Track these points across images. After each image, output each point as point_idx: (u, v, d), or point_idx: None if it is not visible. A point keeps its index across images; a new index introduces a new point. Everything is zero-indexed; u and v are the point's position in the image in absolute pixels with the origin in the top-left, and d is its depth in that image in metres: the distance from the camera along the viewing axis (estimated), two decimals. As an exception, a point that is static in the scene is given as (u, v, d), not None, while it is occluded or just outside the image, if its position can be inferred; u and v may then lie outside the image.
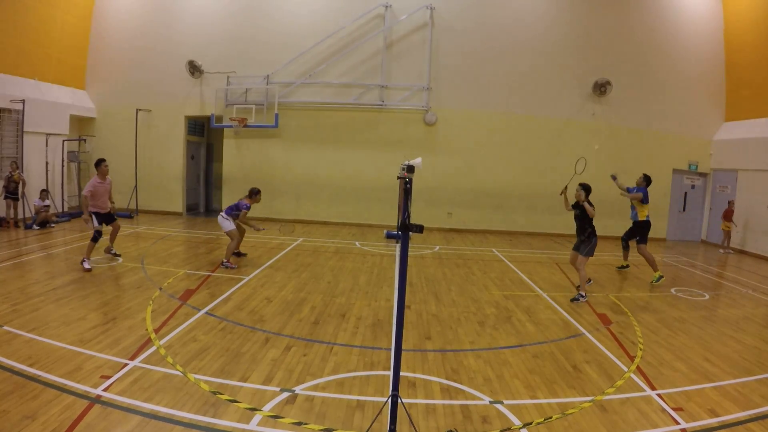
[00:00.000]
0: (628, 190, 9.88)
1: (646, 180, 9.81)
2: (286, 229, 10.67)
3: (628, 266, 10.33)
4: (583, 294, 7.79)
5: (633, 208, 9.90)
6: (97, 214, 8.74)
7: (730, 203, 13.75)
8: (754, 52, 13.86)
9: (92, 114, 15.68)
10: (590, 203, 7.84)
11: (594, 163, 15.05)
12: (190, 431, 3.64)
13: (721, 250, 13.83)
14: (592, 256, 7.96)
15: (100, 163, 8.76)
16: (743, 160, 13.99)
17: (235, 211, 9.21)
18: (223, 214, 9.26)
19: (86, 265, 8.10)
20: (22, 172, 12.24)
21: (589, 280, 8.77)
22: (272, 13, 15.07)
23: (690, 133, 15.28)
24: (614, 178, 9.93)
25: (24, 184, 12.05)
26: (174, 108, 15.48)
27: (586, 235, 7.85)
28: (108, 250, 9.26)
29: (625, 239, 10.22)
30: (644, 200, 9.54)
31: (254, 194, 9.36)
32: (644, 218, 9.58)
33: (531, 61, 14.86)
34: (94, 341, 5.15)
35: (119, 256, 9.21)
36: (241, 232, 9.51)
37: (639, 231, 9.62)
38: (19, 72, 12.81)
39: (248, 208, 9.21)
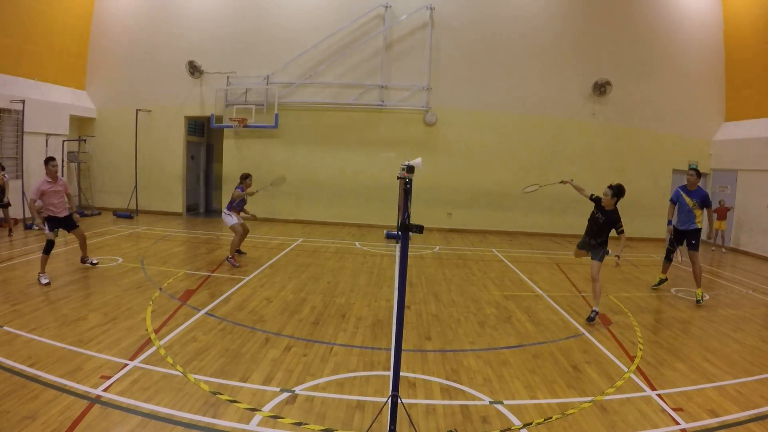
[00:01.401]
0: (692, 197, 8.05)
1: (699, 175, 8.18)
2: (278, 181, 10.00)
3: (667, 279, 8.96)
4: (597, 309, 6.73)
5: (692, 218, 8.06)
6: (50, 218, 7.48)
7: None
8: (754, 51, 13.86)
9: (92, 114, 15.69)
10: (618, 218, 6.59)
11: (595, 163, 15.14)
12: (190, 431, 3.64)
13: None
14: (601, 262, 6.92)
15: (48, 161, 7.57)
16: (743, 160, 13.99)
17: (234, 204, 9.33)
18: (225, 210, 9.42)
19: (43, 280, 7.08)
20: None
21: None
22: (272, 13, 15.07)
23: (690, 133, 15.28)
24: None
25: (8, 187, 11.19)
26: (174, 108, 15.48)
27: (600, 241, 6.79)
28: (83, 260, 8.29)
29: (673, 249, 8.49)
30: (708, 202, 8.03)
31: (243, 179, 9.47)
32: (702, 225, 8.11)
33: (531, 61, 14.87)
34: (94, 341, 5.15)
35: (96, 264, 8.38)
36: (244, 229, 9.55)
37: (693, 235, 8.11)
38: (19, 72, 12.82)
39: (242, 190, 9.31)
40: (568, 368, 5.14)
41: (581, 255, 7.39)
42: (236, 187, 9.41)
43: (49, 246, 7.33)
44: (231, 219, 9.30)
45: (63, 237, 10.89)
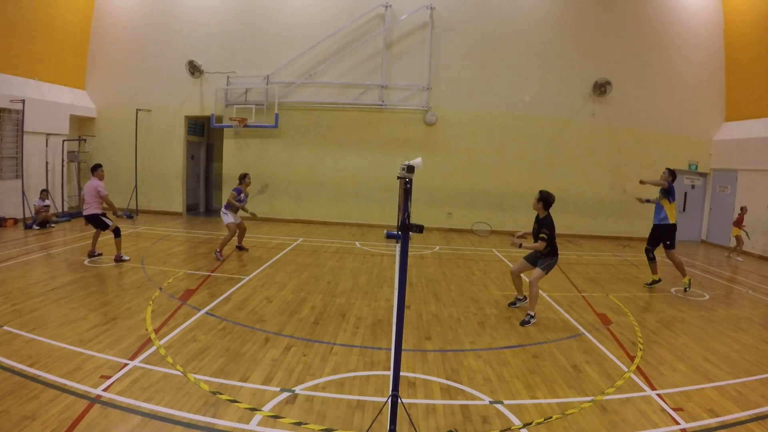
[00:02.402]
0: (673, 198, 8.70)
1: (672, 174, 8.62)
2: (263, 189, 10.21)
3: (660, 280, 9.04)
4: (533, 314, 6.57)
5: (660, 209, 8.68)
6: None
7: (743, 209, 12.92)
8: (754, 51, 13.86)
9: (92, 114, 15.68)
10: (548, 226, 6.59)
11: (594, 163, 15.15)
12: (190, 431, 3.64)
13: (737, 256, 12.95)
14: (546, 274, 6.80)
15: (99, 167, 9.15)
16: (743, 160, 13.99)
17: (230, 204, 9.58)
18: (223, 208, 9.69)
19: (125, 257, 8.81)
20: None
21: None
22: (272, 13, 15.07)
23: (690, 133, 15.28)
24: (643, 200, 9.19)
25: None
26: (174, 108, 15.48)
27: (544, 253, 6.70)
28: (91, 254, 8.99)
29: (651, 248, 8.88)
30: (672, 197, 8.51)
31: (241, 179, 9.80)
32: (674, 221, 8.54)
33: (531, 61, 14.87)
34: (94, 341, 5.15)
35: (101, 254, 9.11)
36: (241, 229, 9.89)
37: (668, 235, 8.57)
38: (19, 72, 12.81)
39: (238, 192, 9.63)
40: (568, 368, 5.14)
41: (523, 268, 7.08)
42: (233, 189, 9.68)
43: (117, 230, 8.85)
44: (227, 217, 9.58)
45: (62, 237, 10.89)
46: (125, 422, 3.68)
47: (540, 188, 6.97)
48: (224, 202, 9.89)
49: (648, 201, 8.96)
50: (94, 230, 9.07)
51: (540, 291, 8.21)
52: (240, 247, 10.25)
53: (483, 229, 7.45)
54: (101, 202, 8.83)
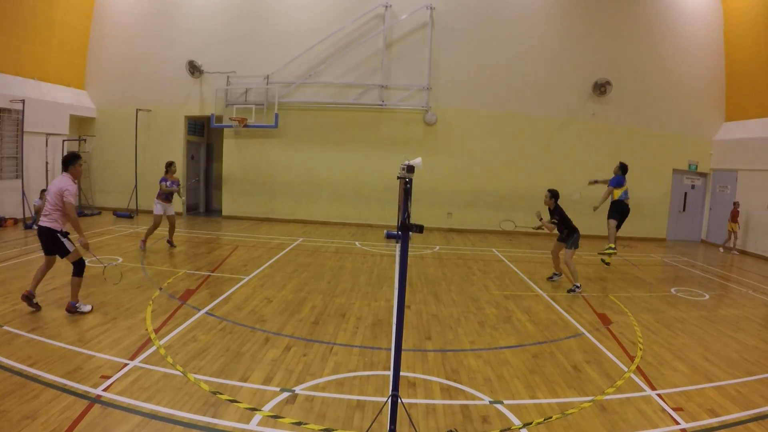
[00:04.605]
0: (610, 185, 9.81)
1: (622, 169, 9.71)
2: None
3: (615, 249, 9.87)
4: (578, 285, 8.14)
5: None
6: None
7: (735, 204, 13.47)
8: (754, 51, 13.86)
9: (92, 114, 15.69)
10: (557, 212, 8.33)
11: (594, 164, 15.14)
12: (190, 431, 3.64)
13: (721, 249, 13.81)
14: (577, 248, 8.32)
15: (76, 159, 6.34)
16: (743, 160, 13.99)
17: (159, 192, 10.07)
18: (155, 199, 10.14)
19: (83, 307, 6.01)
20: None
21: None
22: (272, 13, 15.07)
23: (690, 133, 15.28)
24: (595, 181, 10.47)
25: None
26: (174, 108, 15.48)
27: (565, 235, 8.37)
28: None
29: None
30: (617, 185, 9.56)
31: (167, 167, 10.20)
32: (616, 197, 9.59)
33: (531, 61, 14.87)
34: (94, 341, 5.15)
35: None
36: (171, 224, 10.38)
37: (615, 208, 9.66)
38: (19, 72, 12.82)
39: (164, 181, 10.06)
40: (568, 368, 5.14)
41: (558, 249, 8.75)
42: (160, 180, 10.09)
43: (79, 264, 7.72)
44: (155, 208, 10.06)
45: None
46: (125, 422, 3.68)
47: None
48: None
49: (596, 181, 10.50)
50: (44, 258, 6.09)
51: (539, 290, 8.28)
52: (170, 242, 10.47)
53: (508, 225, 9.39)
54: (63, 214, 5.89)
